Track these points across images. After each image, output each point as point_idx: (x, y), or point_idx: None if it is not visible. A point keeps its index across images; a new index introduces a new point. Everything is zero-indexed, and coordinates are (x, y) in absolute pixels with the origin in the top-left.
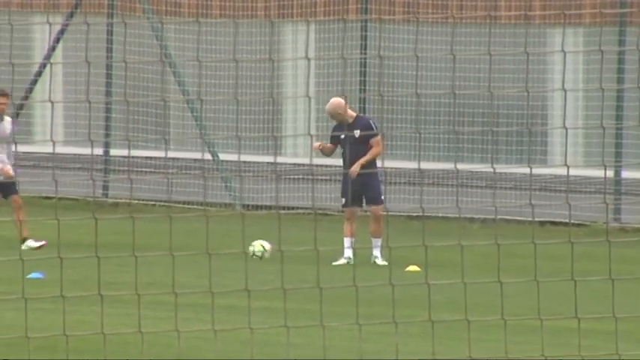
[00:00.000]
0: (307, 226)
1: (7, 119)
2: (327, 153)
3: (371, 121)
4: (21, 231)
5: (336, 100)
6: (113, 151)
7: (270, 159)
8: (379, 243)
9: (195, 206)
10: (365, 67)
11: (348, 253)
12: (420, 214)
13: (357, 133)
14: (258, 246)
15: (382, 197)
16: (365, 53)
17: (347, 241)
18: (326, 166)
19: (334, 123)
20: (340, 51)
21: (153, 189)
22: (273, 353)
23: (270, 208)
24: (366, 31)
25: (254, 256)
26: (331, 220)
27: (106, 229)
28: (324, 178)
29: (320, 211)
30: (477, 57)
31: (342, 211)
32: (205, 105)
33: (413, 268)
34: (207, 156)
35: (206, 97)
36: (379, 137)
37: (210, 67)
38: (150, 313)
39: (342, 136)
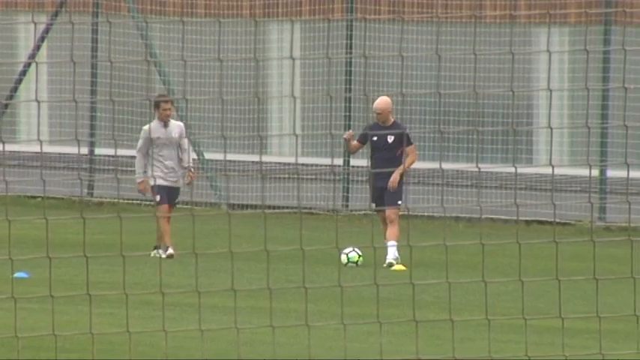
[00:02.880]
0: (293, 225)
1: (175, 124)
2: (352, 150)
3: (407, 130)
4: (161, 237)
5: (387, 99)
6: (98, 150)
7: (255, 158)
8: (393, 246)
9: (181, 205)
10: (350, 66)
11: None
12: (406, 213)
13: (390, 138)
14: (355, 256)
15: (399, 202)
16: (350, 53)
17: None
18: (311, 165)
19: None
20: (325, 50)
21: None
22: (260, 352)
23: (255, 207)
24: (351, 30)
25: (349, 264)
26: (317, 219)
27: (92, 229)
28: (309, 177)
29: (305, 210)
30: (462, 56)
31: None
32: (190, 104)
33: (398, 267)
34: (193, 155)
35: (191, 96)
36: (414, 146)
37: (195, 66)
38: (137, 312)
39: (375, 138)
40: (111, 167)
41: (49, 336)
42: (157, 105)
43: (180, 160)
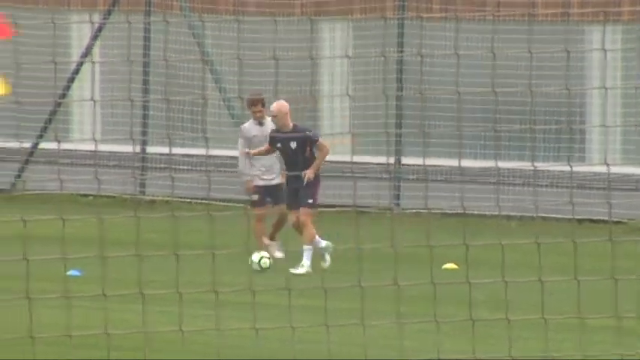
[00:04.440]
0: (345, 224)
1: (270, 122)
2: (262, 154)
3: (307, 131)
4: (270, 236)
5: (282, 102)
6: (150, 149)
7: None
8: (309, 250)
9: (234, 204)
10: (402, 65)
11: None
12: (460, 211)
13: (293, 144)
14: (262, 259)
15: (310, 201)
16: (402, 51)
17: (315, 242)
18: (365, 163)
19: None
20: (377, 48)
21: (191, 187)
22: (314, 351)
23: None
24: (403, 28)
25: (261, 268)
26: (371, 217)
27: (144, 227)
28: (361, 175)
29: (359, 209)
30: (516, 54)
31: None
32: (243, 103)
33: (450, 265)
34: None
35: (243, 95)
36: (321, 139)
37: (247, 64)
38: (190, 311)
39: (279, 144)
40: (163, 166)
41: (101, 334)
42: (249, 105)
43: (278, 158)
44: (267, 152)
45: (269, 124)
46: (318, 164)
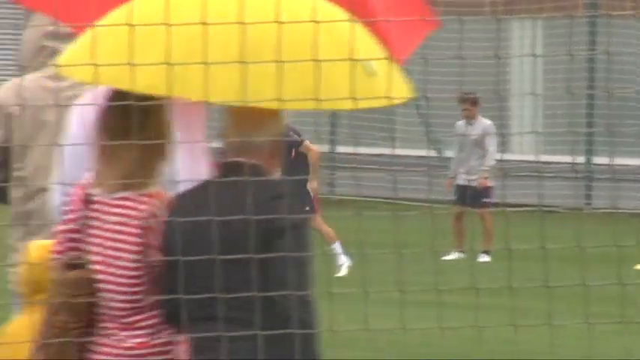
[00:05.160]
0: (533, 223)
1: (480, 122)
2: None
3: (290, 132)
4: (486, 242)
5: None
6: (339, 148)
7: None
8: (338, 247)
9: (420, 204)
10: (593, 63)
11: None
12: None
13: None
14: None
15: (307, 208)
16: (593, 49)
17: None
18: (553, 163)
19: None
20: (566, 47)
21: (378, 186)
22: (501, 351)
23: (496, 205)
24: (594, 27)
25: None
26: (559, 218)
27: (331, 226)
28: (550, 175)
29: (546, 208)
30: None
31: None
32: (430, 102)
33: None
34: (432, 153)
35: (432, 94)
36: (307, 142)
37: (434, 63)
38: (376, 309)
39: None
40: (352, 165)
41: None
42: (458, 102)
43: (481, 159)
44: None
45: (477, 125)
46: (317, 171)
